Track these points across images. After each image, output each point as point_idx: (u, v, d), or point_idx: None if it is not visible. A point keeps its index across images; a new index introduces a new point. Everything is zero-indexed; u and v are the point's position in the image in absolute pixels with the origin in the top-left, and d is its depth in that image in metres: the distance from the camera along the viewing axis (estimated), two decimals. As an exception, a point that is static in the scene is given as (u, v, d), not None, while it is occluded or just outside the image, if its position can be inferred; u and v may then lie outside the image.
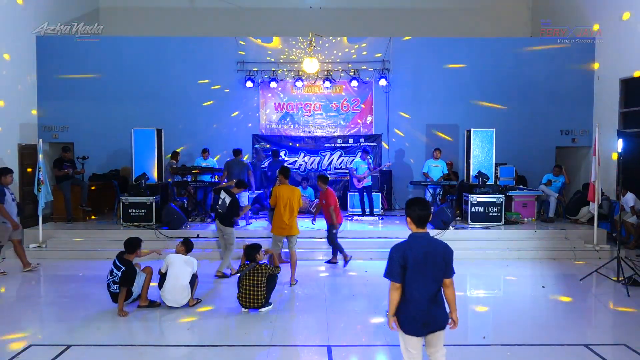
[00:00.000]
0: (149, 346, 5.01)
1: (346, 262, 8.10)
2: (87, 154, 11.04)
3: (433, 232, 9.09)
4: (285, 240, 7.27)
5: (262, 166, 11.76)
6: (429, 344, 3.56)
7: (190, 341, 5.23)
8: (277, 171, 7.60)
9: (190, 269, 6.06)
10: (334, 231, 8.02)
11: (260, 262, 5.95)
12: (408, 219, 3.54)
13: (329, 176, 8.78)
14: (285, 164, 11.69)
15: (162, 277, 6.04)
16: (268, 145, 12.06)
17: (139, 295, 6.07)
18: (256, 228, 9.64)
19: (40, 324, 5.76)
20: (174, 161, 11.12)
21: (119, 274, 5.76)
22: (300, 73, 12.17)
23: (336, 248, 8.15)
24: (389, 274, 3.45)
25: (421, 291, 3.38)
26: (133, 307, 6.02)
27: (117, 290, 5.81)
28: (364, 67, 12.37)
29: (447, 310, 3.53)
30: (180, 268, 5.99)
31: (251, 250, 5.96)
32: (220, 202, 7.50)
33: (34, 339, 5.12)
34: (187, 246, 6.33)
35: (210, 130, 12.34)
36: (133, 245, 6.02)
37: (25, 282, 7.74)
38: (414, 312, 3.41)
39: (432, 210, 10.08)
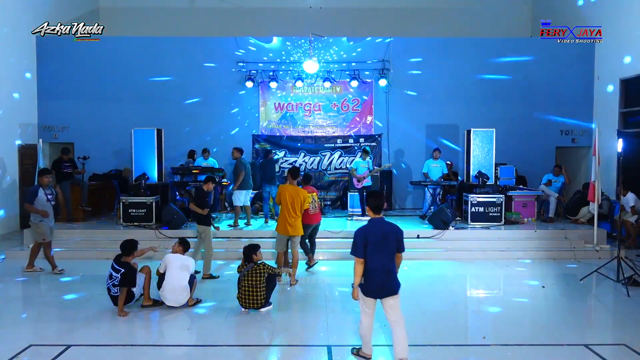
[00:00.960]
0: (149, 346, 5.01)
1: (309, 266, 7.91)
2: (87, 154, 11.04)
3: (432, 232, 9.13)
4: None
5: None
6: (388, 309, 4.32)
7: (190, 341, 5.23)
8: (287, 170, 7.57)
9: (188, 268, 6.05)
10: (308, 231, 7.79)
11: (259, 262, 5.94)
12: (367, 207, 4.52)
13: (311, 175, 8.64)
14: (285, 164, 11.75)
15: (161, 277, 6.03)
16: (268, 145, 12.06)
17: (140, 295, 6.07)
18: (251, 229, 9.59)
19: (40, 324, 5.76)
20: (191, 159, 11.14)
21: (119, 276, 5.74)
22: (300, 73, 12.17)
23: (304, 248, 7.86)
24: (354, 251, 4.31)
25: (379, 263, 4.24)
26: (134, 307, 6.01)
27: (118, 293, 5.80)
28: (364, 68, 12.37)
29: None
30: (179, 268, 5.99)
31: (249, 251, 5.95)
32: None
33: (34, 339, 5.12)
34: (184, 246, 6.31)
35: (211, 130, 12.34)
36: (130, 247, 6.01)
37: (26, 282, 7.73)
38: (373, 279, 4.26)
39: (432, 210, 10.10)
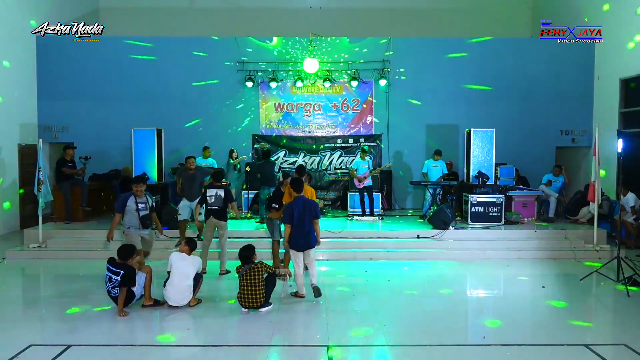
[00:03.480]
0: (149, 346, 5.01)
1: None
2: (87, 154, 11.02)
3: (433, 232, 9.14)
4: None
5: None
6: (306, 257, 6.35)
7: (190, 341, 5.23)
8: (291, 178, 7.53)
9: (193, 268, 6.05)
10: None
11: (256, 261, 5.93)
12: (292, 189, 6.50)
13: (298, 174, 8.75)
14: (285, 164, 11.75)
15: (169, 276, 6.05)
16: (268, 145, 12.05)
17: (141, 295, 6.07)
18: (249, 229, 9.59)
19: (40, 324, 5.76)
20: (235, 157, 10.97)
21: (119, 278, 5.73)
22: (300, 73, 12.17)
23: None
24: (285, 220, 6.28)
25: (302, 227, 6.19)
26: (135, 306, 6.01)
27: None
28: (364, 68, 12.37)
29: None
30: (183, 267, 5.98)
31: (247, 253, 5.94)
32: (213, 200, 7.47)
33: (34, 339, 5.12)
34: (190, 245, 6.28)
35: (210, 131, 12.34)
36: (127, 253, 5.92)
37: (26, 282, 7.76)
38: (298, 238, 6.23)
39: (432, 210, 10.10)
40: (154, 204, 7.23)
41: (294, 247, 6.27)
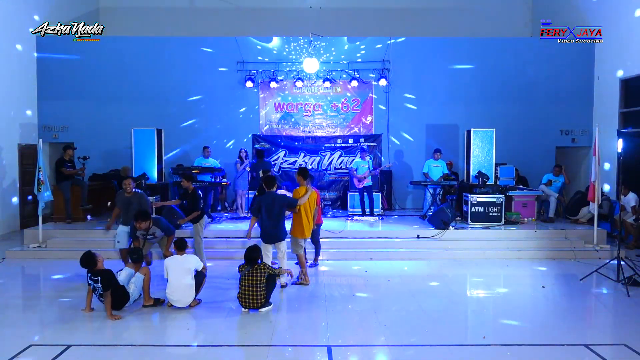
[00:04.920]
0: (149, 346, 5.01)
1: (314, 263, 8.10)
2: (87, 154, 11.03)
3: (433, 232, 9.12)
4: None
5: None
6: (277, 250, 6.80)
7: (190, 341, 5.23)
8: (296, 173, 7.51)
9: (189, 265, 6.03)
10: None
11: (259, 262, 5.95)
12: (264, 184, 6.80)
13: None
14: (285, 164, 11.72)
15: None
16: (268, 145, 12.05)
17: (139, 296, 6.07)
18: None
19: (40, 324, 5.76)
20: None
21: (100, 285, 5.70)
22: (300, 73, 12.17)
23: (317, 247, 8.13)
24: (252, 211, 6.89)
25: (270, 221, 6.60)
26: (135, 307, 6.02)
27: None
28: (364, 68, 12.36)
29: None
30: (178, 268, 5.98)
31: (253, 254, 5.93)
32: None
33: (34, 339, 5.12)
34: (178, 245, 6.22)
35: (210, 130, 12.35)
36: (88, 259, 5.81)
37: (26, 282, 7.75)
38: (267, 231, 6.67)
39: (432, 210, 10.10)
40: (167, 232, 6.97)
41: (264, 239, 6.72)
